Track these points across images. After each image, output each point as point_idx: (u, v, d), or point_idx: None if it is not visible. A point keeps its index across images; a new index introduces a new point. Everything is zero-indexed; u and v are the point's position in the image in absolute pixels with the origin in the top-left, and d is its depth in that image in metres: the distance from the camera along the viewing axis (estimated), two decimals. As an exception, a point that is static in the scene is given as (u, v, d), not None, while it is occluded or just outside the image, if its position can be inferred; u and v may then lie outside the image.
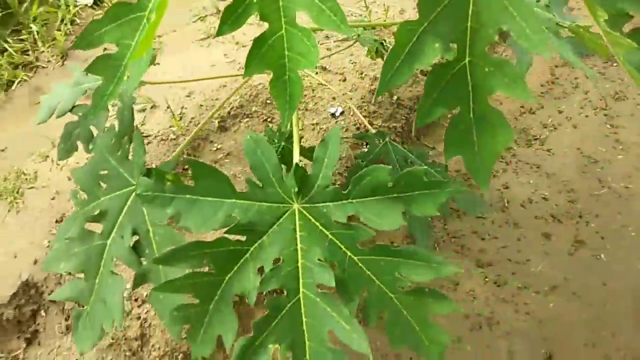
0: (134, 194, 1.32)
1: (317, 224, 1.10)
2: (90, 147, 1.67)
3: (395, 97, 2.63)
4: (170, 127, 2.69)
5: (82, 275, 1.29)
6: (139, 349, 2.00)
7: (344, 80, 2.65)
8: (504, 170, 2.76)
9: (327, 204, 1.09)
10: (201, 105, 2.76)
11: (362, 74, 2.71)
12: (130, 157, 1.38)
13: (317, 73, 2.62)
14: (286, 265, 1.08)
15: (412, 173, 1.05)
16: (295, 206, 1.11)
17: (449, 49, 0.98)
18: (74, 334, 1.24)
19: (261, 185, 1.10)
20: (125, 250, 1.27)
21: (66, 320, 2.10)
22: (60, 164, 2.64)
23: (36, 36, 3.44)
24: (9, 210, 2.50)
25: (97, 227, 1.33)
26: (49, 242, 2.33)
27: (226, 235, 1.07)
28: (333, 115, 2.48)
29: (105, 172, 1.40)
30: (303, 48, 0.98)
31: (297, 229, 1.09)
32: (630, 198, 2.69)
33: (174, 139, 2.63)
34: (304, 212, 1.11)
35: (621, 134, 2.94)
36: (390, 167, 1.05)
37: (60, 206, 2.49)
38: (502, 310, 2.32)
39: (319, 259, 1.08)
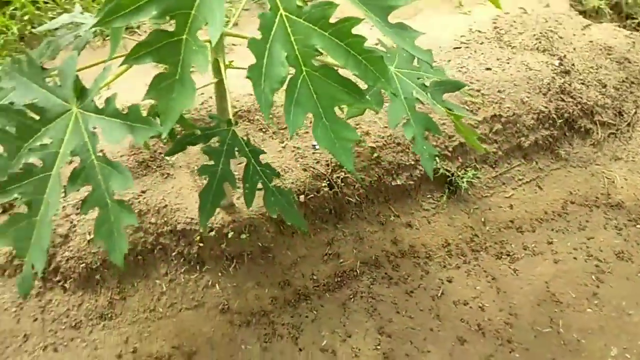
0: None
1: (82, 125, 1.40)
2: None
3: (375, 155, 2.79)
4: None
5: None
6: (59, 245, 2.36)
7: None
8: (457, 266, 2.75)
9: (91, 114, 1.40)
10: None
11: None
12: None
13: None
14: (52, 146, 1.39)
15: (134, 107, 1.31)
16: (74, 108, 1.41)
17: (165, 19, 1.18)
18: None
19: (59, 85, 1.40)
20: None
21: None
22: None
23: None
24: None
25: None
26: None
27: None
28: (314, 147, 2.73)
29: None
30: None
31: (69, 125, 1.40)
32: (576, 352, 2.52)
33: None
34: (78, 114, 1.40)
35: (602, 290, 2.77)
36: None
37: None
38: (373, 379, 2.31)
39: (69, 151, 1.38)
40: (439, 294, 2.63)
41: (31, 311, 2.28)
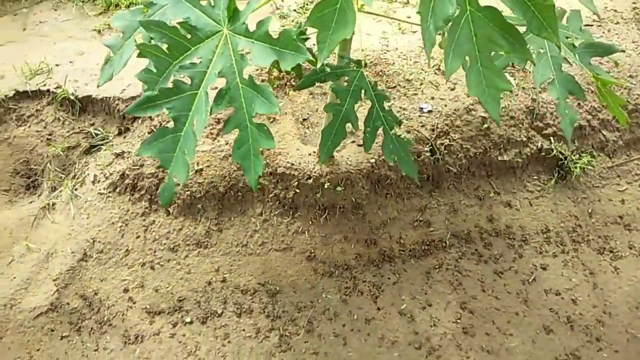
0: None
1: (231, 47, 1.42)
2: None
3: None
4: None
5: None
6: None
7: (453, 89, 2.77)
8: (554, 254, 2.61)
9: (241, 36, 1.40)
10: None
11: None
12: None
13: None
14: (201, 65, 1.43)
15: (287, 32, 1.29)
16: (225, 30, 1.42)
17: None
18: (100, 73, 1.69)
19: (212, 6, 1.43)
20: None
21: (148, 133, 2.68)
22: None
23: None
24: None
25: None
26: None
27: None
28: (421, 109, 2.65)
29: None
30: None
31: (219, 46, 1.42)
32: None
33: None
34: (228, 36, 1.42)
35: None
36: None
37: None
38: (450, 352, 2.28)
39: (217, 72, 1.41)
40: (531, 280, 2.52)
41: (135, 229, 2.44)
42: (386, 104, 1.71)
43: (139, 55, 1.51)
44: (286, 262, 2.45)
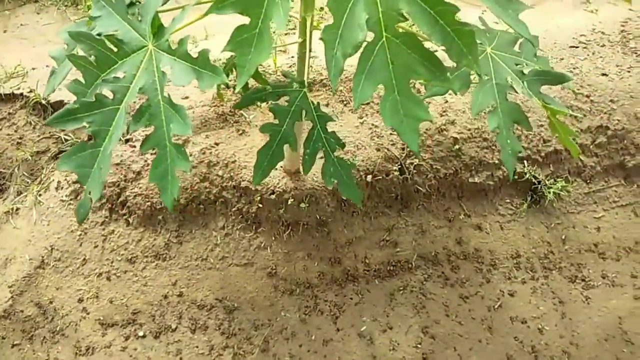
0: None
1: (155, 63, 1.39)
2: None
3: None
4: None
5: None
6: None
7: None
8: (523, 280, 2.54)
9: (164, 53, 1.39)
10: None
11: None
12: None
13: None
14: (124, 80, 1.40)
15: (204, 52, 1.28)
16: (150, 46, 1.39)
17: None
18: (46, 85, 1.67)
19: (139, 20, 1.40)
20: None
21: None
22: None
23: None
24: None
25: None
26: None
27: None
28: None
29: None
30: None
31: (143, 61, 1.40)
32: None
33: None
34: (153, 52, 1.40)
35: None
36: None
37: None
38: (406, 377, 2.22)
39: (138, 87, 1.38)
40: (497, 306, 2.45)
41: (94, 238, 2.41)
42: (329, 126, 1.67)
43: (74, 65, 1.49)
44: (246, 277, 2.41)
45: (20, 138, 2.75)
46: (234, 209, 2.45)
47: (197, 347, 2.25)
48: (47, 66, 2.98)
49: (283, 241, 2.46)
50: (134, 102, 2.35)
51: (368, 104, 2.72)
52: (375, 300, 2.43)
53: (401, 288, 2.47)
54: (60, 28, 3.30)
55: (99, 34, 1.42)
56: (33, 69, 2.95)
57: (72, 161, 1.41)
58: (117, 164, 2.44)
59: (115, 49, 1.38)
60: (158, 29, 1.37)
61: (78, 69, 1.40)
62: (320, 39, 1.11)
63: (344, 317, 2.38)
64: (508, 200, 2.70)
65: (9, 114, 2.80)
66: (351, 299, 2.42)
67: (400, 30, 1.09)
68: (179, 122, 1.34)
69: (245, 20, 1.11)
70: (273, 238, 2.46)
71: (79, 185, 2.44)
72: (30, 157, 2.69)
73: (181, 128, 1.33)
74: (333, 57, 1.06)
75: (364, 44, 1.09)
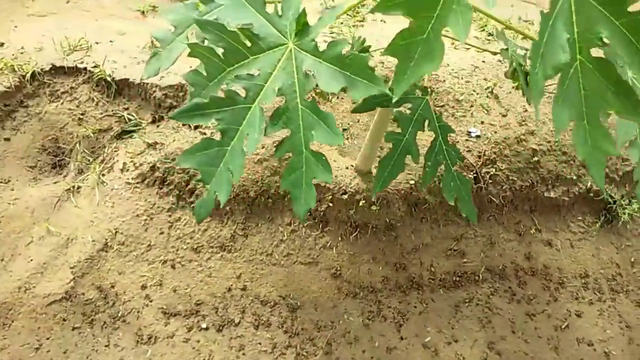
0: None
1: (294, 64, 1.29)
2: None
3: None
4: None
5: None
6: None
7: (505, 115, 2.62)
8: (590, 301, 2.47)
9: (307, 54, 1.28)
10: None
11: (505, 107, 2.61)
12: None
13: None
14: (259, 78, 1.31)
15: (358, 58, 1.16)
16: (290, 44, 1.30)
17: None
18: (146, 66, 1.58)
19: (280, 15, 1.31)
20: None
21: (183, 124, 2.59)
22: None
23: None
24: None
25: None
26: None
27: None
28: (469, 133, 2.51)
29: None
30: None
31: (281, 60, 1.30)
32: None
33: None
34: (293, 51, 1.30)
35: None
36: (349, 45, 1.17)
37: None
38: (472, 393, 2.16)
39: (275, 88, 1.28)
40: (563, 326, 2.38)
41: (160, 224, 2.35)
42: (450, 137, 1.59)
43: (190, 55, 1.41)
44: (310, 276, 2.35)
45: (82, 114, 2.68)
46: (302, 206, 2.37)
47: (259, 343, 2.20)
48: (110, 42, 2.90)
49: (349, 242, 2.39)
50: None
51: (443, 106, 2.62)
52: (439, 311, 2.36)
53: (467, 300, 2.40)
54: (121, 3, 3.22)
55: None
56: (97, 43, 2.86)
57: (195, 158, 1.33)
58: (187, 150, 2.37)
59: (248, 44, 1.29)
60: (303, 27, 1.28)
61: (200, 60, 1.31)
62: (529, 57, 1.02)
63: (408, 326, 2.32)
64: (580, 218, 2.61)
65: (71, 88, 2.73)
66: (415, 307, 2.36)
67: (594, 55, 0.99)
68: (324, 131, 1.25)
69: (412, 23, 1.02)
70: (339, 238, 2.39)
71: (148, 169, 2.38)
72: (92, 134, 2.62)
73: (328, 137, 1.25)
74: (534, 77, 0.97)
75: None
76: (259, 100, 1.29)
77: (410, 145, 1.55)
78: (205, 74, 1.31)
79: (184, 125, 2.59)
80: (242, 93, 1.32)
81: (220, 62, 1.30)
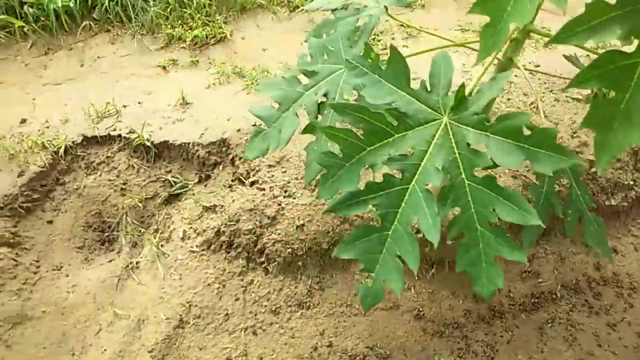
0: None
1: (452, 139, 1.23)
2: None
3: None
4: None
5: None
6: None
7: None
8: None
9: (469, 128, 1.23)
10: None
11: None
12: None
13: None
14: (413, 157, 1.24)
15: (546, 132, 1.12)
16: (445, 119, 1.25)
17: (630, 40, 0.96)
18: (248, 145, 1.50)
19: (429, 91, 1.27)
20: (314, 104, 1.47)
21: (232, 181, 2.50)
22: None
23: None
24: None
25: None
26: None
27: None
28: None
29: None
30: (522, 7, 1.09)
31: (436, 136, 1.24)
32: None
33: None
34: (449, 125, 1.25)
35: None
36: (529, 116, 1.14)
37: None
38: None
39: (437, 166, 1.22)
40: (648, 337, 2.39)
41: (234, 290, 2.25)
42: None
43: (304, 132, 1.35)
44: (393, 322, 2.29)
45: (123, 183, 2.56)
46: (375, 250, 2.32)
47: (358, 401, 2.13)
48: (139, 103, 2.80)
49: (427, 280, 2.35)
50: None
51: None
52: (525, 336, 2.34)
53: (549, 321, 2.38)
54: (140, 60, 3.11)
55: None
56: (124, 106, 2.76)
57: (355, 247, 1.27)
58: (250, 210, 2.29)
59: (394, 122, 1.23)
60: (460, 101, 1.23)
61: (335, 142, 1.25)
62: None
63: (499, 357, 2.28)
64: (639, 221, 2.64)
65: (107, 157, 2.61)
66: (502, 336, 2.33)
67: None
68: (510, 210, 1.19)
69: (610, 95, 0.98)
70: (417, 277, 2.35)
71: (213, 235, 2.28)
72: (139, 204, 2.51)
73: (519, 218, 1.18)
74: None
75: None
76: (417, 179, 1.24)
77: (550, 196, 1.52)
78: (341, 155, 1.25)
79: (233, 180, 2.51)
80: (399, 175, 1.27)
81: (359, 142, 1.24)
